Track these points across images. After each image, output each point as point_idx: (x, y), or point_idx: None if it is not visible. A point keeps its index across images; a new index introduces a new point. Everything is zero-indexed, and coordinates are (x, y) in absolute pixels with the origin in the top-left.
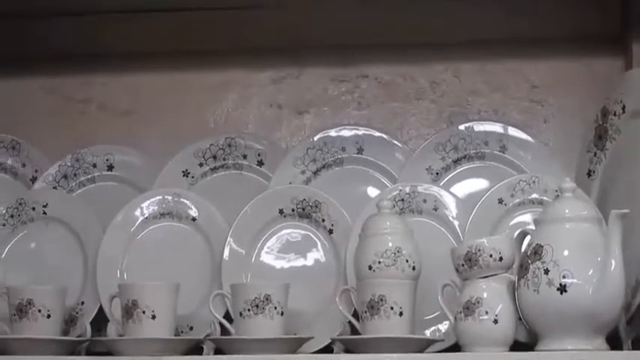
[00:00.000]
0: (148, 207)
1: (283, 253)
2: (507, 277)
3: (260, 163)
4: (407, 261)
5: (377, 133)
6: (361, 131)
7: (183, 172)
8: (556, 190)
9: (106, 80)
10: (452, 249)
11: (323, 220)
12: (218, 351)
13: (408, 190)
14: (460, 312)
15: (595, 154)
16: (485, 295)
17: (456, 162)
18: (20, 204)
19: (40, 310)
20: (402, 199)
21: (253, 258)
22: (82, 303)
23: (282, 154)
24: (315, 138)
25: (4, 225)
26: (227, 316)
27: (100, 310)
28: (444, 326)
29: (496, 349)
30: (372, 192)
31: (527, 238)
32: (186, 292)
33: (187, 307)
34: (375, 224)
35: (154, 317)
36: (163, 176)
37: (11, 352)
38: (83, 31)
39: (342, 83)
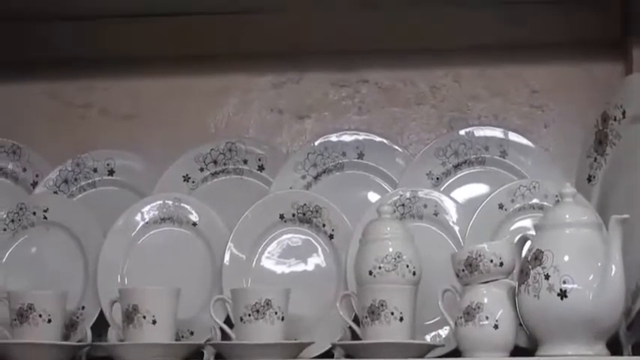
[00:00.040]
0: (148, 212)
1: (284, 258)
2: (508, 283)
3: (261, 168)
4: (407, 266)
5: (377, 138)
6: (362, 136)
7: (183, 176)
8: (556, 196)
9: (106, 85)
10: (452, 254)
11: (323, 225)
12: (219, 356)
13: (408, 195)
14: (460, 317)
15: (595, 159)
16: (485, 300)
17: (457, 167)
18: (21, 209)
19: (40, 315)
20: (403, 204)
21: (254, 263)
22: (83, 308)
23: (283, 159)
24: (316, 143)
25: (4, 230)
26: (228, 321)
27: (101, 314)
28: (444, 331)
29: (496, 355)
30: (373, 197)
31: (528, 244)
32: (187, 297)
33: (188, 311)
34: (375, 229)
35: (154, 322)
36: (164, 181)
37: (12, 357)
38: (84, 35)
39: (342, 88)
